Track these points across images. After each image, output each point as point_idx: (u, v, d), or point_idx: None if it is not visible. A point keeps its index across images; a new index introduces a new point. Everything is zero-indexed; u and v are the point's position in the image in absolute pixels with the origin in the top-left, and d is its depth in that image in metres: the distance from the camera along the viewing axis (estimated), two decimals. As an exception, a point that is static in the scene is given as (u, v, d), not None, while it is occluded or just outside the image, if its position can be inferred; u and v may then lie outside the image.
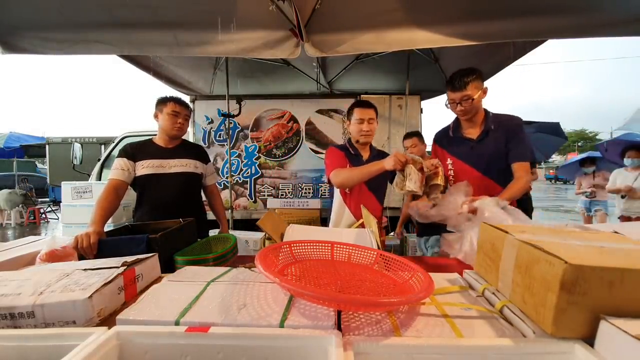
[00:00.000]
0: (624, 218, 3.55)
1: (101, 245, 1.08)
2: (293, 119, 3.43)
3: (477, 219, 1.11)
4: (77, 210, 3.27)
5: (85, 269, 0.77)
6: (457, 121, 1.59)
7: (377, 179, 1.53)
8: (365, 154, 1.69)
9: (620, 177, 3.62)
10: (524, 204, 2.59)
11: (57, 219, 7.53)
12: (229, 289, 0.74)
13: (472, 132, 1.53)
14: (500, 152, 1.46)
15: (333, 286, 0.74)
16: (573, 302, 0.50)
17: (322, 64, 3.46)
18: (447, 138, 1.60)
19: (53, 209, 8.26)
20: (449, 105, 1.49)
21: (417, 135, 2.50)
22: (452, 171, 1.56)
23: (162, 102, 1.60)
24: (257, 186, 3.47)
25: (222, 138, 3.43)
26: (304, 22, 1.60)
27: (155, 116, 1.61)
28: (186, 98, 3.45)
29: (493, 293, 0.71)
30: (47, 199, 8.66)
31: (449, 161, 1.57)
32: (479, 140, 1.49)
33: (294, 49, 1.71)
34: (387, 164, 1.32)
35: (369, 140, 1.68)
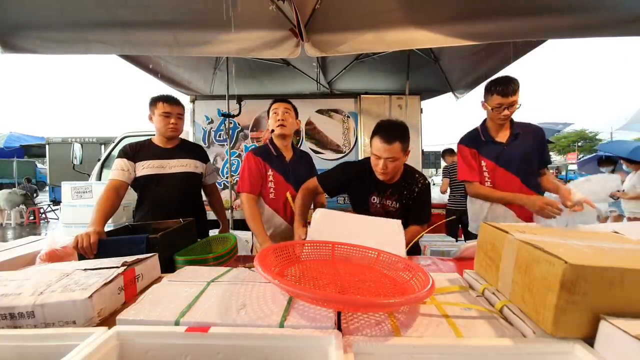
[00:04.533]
0: (629, 219, 3.61)
1: (101, 245, 1.08)
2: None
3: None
4: (77, 210, 3.26)
5: (85, 269, 0.77)
6: (485, 126, 1.67)
7: (303, 182, 1.58)
8: (288, 154, 1.63)
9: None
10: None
11: (57, 218, 7.52)
12: (229, 289, 0.74)
13: (502, 137, 1.62)
14: (529, 155, 1.59)
15: (333, 287, 0.74)
16: (573, 302, 0.50)
17: (322, 64, 3.46)
18: (478, 141, 1.66)
19: (53, 209, 8.25)
20: (491, 110, 1.55)
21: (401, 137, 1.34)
22: (486, 173, 1.63)
23: (152, 103, 1.57)
24: (257, 186, 3.47)
25: (222, 138, 3.42)
26: (304, 22, 1.59)
27: (150, 118, 1.59)
28: (186, 98, 3.45)
29: (493, 293, 0.71)
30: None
31: (482, 163, 1.64)
32: (509, 144, 1.60)
33: (294, 49, 1.70)
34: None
35: (285, 132, 1.57)
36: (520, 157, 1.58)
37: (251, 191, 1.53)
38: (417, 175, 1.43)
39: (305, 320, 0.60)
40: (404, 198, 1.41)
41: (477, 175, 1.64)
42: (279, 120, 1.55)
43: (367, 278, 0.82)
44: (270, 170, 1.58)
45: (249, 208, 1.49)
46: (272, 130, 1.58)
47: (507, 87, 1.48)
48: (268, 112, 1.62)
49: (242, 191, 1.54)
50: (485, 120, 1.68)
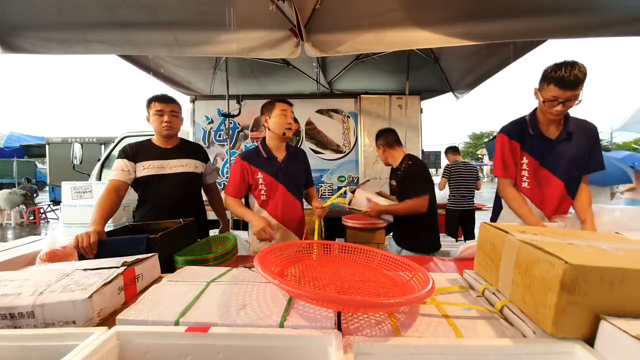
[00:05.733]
0: None
1: (101, 245, 1.08)
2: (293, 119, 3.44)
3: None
4: (77, 210, 3.27)
5: (85, 269, 0.77)
6: (535, 117, 1.43)
7: (298, 181, 1.64)
8: (281, 155, 1.60)
9: None
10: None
11: (57, 218, 7.52)
12: (229, 289, 0.74)
13: (551, 132, 1.40)
14: (579, 157, 1.38)
15: (333, 287, 0.74)
16: (573, 302, 0.50)
17: (322, 64, 3.46)
18: (523, 134, 1.44)
19: (53, 209, 8.26)
20: (542, 102, 1.30)
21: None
22: (526, 171, 1.44)
23: (147, 104, 1.57)
24: (257, 186, 3.47)
25: (222, 138, 3.43)
26: (304, 22, 1.59)
27: (147, 119, 1.59)
28: (186, 98, 3.45)
29: (493, 293, 0.71)
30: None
31: (524, 160, 1.44)
32: (559, 142, 1.38)
33: (294, 49, 1.70)
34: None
35: (291, 135, 1.59)
36: (569, 160, 1.38)
37: (235, 196, 1.58)
38: (406, 159, 1.80)
39: (305, 321, 0.60)
40: (397, 177, 1.82)
41: (511, 173, 1.45)
42: (289, 123, 1.54)
43: (367, 278, 0.82)
44: (259, 173, 1.56)
45: (233, 203, 1.57)
46: (283, 133, 1.54)
47: (569, 77, 1.21)
48: (267, 110, 1.57)
49: (227, 194, 1.60)
50: (535, 110, 1.43)
